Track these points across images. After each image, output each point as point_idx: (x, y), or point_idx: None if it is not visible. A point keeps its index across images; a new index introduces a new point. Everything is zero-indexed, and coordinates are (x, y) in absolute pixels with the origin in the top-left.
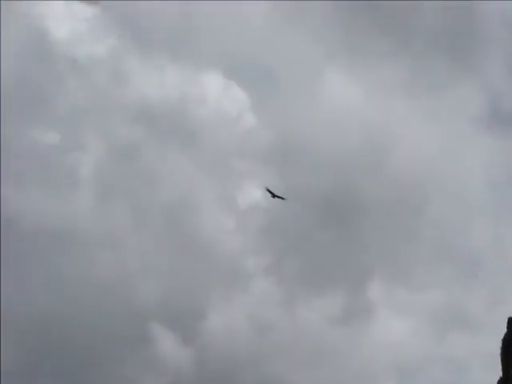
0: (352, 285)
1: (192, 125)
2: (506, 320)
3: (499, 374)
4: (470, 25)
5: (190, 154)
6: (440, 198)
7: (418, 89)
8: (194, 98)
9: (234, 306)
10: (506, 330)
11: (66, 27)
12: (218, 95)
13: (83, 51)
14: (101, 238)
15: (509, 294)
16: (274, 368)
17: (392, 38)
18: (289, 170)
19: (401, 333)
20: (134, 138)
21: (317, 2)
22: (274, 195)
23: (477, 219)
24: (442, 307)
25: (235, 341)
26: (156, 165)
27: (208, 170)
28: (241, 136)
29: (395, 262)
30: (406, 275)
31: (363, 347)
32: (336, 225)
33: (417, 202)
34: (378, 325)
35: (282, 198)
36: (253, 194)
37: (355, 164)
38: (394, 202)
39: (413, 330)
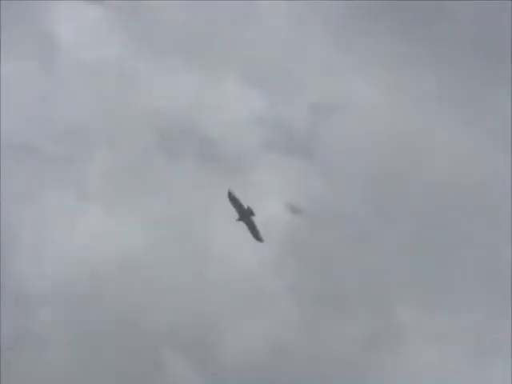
0: (379, 307)
1: (207, 133)
2: None
3: None
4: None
5: (205, 165)
6: (477, 212)
7: (451, 94)
8: (209, 104)
9: (251, 330)
10: None
11: (72, 29)
12: (235, 102)
13: (90, 55)
14: (109, 257)
15: None
16: None
17: (422, 40)
18: (311, 182)
19: (433, 359)
20: (145, 148)
21: (338, 2)
22: (294, 210)
23: None
24: (476, 332)
25: (252, 367)
26: (169, 177)
27: (224, 182)
28: (259, 146)
29: (426, 282)
30: (437, 297)
31: (392, 374)
32: (362, 241)
33: (451, 215)
34: (408, 350)
35: (303, 213)
36: (272, 208)
37: (382, 175)
38: (425, 216)
39: (446, 357)
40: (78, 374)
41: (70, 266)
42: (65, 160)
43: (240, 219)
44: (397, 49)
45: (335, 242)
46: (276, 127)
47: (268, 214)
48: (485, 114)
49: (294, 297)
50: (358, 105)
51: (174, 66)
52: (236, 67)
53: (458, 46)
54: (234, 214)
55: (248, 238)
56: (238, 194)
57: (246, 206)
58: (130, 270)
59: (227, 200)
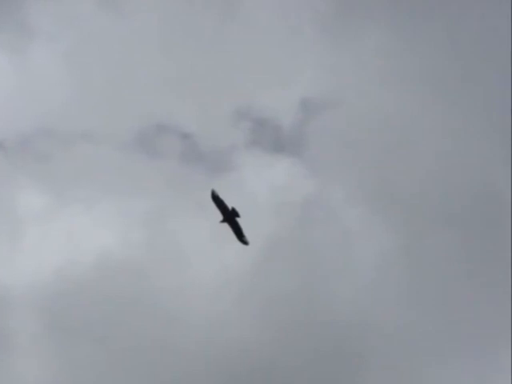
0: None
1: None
2: None
3: None
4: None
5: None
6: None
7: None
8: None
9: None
10: None
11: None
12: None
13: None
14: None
15: None
16: None
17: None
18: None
19: None
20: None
21: None
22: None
23: None
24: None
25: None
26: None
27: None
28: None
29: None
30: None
31: None
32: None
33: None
34: None
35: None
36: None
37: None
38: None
39: None
40: (51, 374)
41: (45, 267)
42: (40, 158)
43: (224, 220)
44: (389, 43)
45: (324, 242)
46: (263, 124)
47: (254, 216)
48: (482, 107)
49: (280, 301)
50: (350, 100)
51: (153, 56)
52: (222, 61)
53: (451, 39)
54: (218, 215)
55: (232, 240)
56: (222, 195)
57: (230, 207)
58: (108, 271)
59: (211, 200)
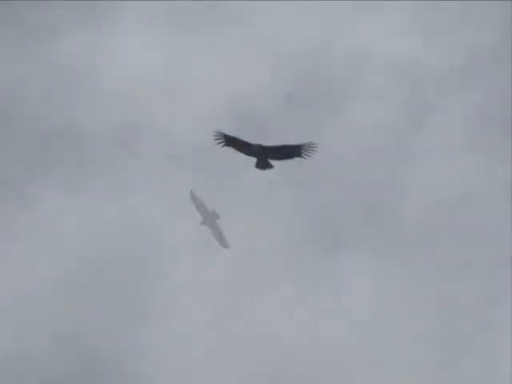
0: None
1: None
2: None
3: None
4: None
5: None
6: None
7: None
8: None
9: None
10: None
11: None
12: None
13: None
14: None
15: None
16: None
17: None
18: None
19: None
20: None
21: None
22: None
23: None
24: None
25: None
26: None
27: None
28: None
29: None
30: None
31: None
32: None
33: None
34: None
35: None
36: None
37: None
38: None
39: None
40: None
41: (16, 270)
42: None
43: (204, 223)
44: (384, 34)
45: (310, 246)
46: (248, 119)
47: (237, 217)
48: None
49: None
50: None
51: (138, 43)
52: (206, 54)
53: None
54: (197, 216)
55: (212, 243)
56: (201, 195)
57: (210, 209)
58: (84, 276)
59: (190, 202)
